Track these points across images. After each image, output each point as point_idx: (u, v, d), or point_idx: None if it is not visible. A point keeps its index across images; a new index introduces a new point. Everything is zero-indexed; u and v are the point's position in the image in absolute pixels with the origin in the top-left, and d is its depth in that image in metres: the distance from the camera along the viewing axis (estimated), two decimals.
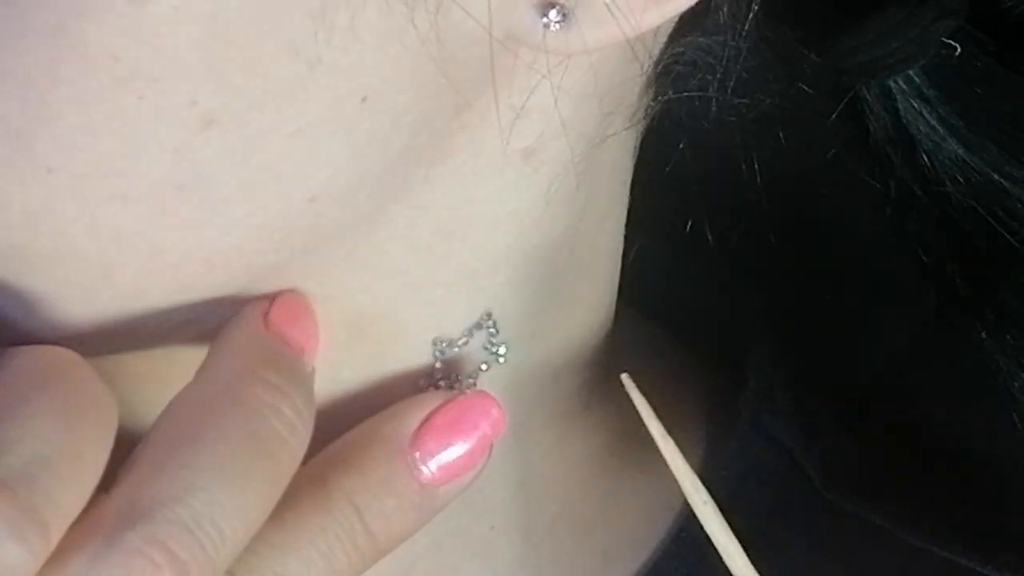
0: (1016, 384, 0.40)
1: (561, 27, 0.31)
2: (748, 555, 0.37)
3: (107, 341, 0.33)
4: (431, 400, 0.35)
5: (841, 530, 0.41)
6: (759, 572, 0.36)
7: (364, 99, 0.30)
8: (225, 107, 0.29)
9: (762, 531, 0.40)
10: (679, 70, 0.36)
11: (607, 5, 0.31)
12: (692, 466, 0.42)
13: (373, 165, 0.31)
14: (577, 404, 0.41)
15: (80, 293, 0.31)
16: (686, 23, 0.35)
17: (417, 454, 0.34)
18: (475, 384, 0.37)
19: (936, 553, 0.39)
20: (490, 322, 0.37)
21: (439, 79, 0.31)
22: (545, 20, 0.31)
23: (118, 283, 0.31)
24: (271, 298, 0.34)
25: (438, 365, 0.36)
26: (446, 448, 0.34)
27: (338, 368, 0.36)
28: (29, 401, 0.29)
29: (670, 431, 0.40)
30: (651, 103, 0.37)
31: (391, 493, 0.33)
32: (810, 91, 0.38)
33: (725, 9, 0.35)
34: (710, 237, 0.41)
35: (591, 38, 0.31)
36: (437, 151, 0.33)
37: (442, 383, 0.37)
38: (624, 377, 0.37)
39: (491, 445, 0.35)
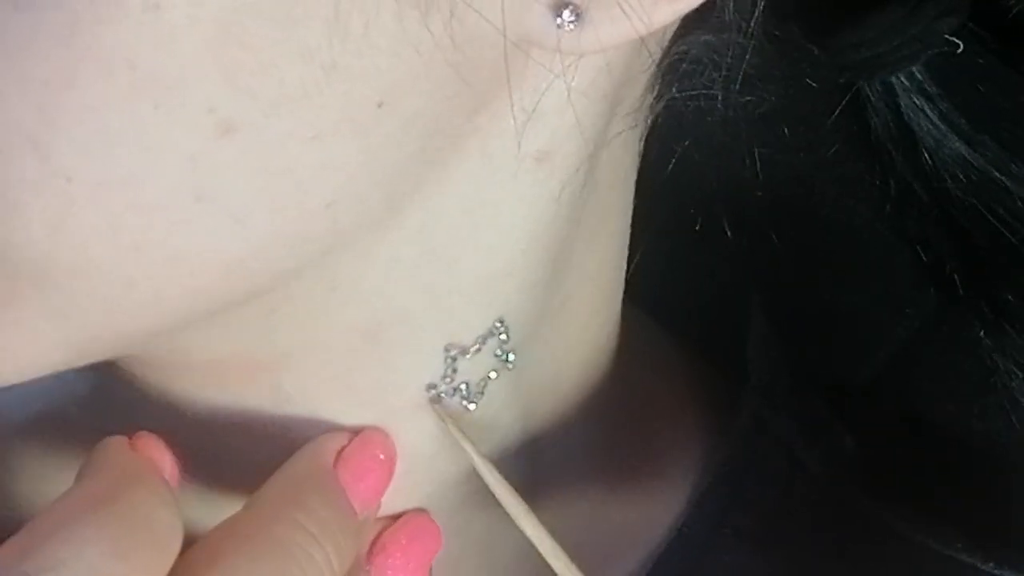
0: (1014, 383, 0.40)
1: (574, 27, 0.31)
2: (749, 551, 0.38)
3: (124, 345, 0.34)
4: (340, 437, 0.36)
5: (841, 526, 0.41)
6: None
7: (379, 104, 0.30)
8: (241, 113, 0.29)
9: (764, 528, 0.40)
10: (684, 68, 0.36)
11: (620, 4, 0.31)
12: (693, 464, 0.43)
13: (387, 169, 0.31)
14: (580, 401, 0.41)
15: (100, 304, 0.31)
16: (691, 21, 0.35)
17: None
18: (483, 394, 0.37)
19: (936, 549, 0.40)
20: (502, 328, 0.36)
21: (453, 82, 0.31)
22: (559, 21, 0.31)
23: (138, 292, 0.31)
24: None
25: (448, 373, 0.36)
26: (361, 479, 0.35)
27: (351, 373, 0.36)
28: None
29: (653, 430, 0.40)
30: (655, 101, 0.37)
31: (336, 517, 0.34)
32: (813, 87, 0.38)
33: (731, 6, 0.34)
34: (711, 234, 0.41)
35: (604, 37, 0.31)
36: (450, 154, 0.33)
37: (451, 393, 0.37)
38: (437, 408, 0.37)
39: (391, 477, 0.36)
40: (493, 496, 0.38)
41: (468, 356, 0.36)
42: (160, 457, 0.33)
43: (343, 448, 0.35)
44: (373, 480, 0.35)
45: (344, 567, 0.33)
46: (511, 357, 0.37)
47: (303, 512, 0.33)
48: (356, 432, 0.36)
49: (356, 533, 0.35)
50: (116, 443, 0.33)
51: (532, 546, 0.39)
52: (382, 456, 0.36)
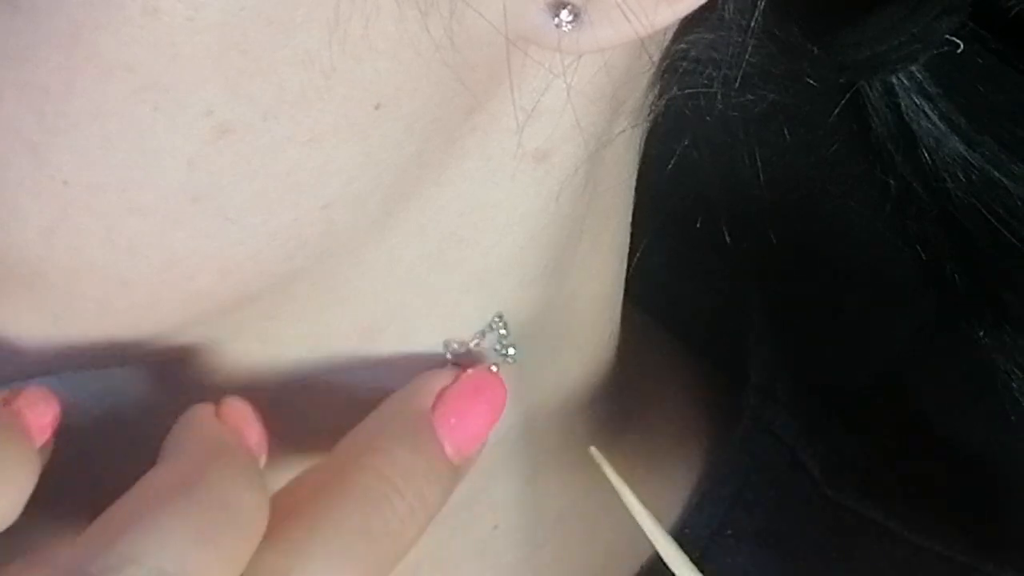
0: (1014, 384, 0.40)
1: (572, 27, 0.31)
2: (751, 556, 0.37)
3: (120, 350, 0.33)
4: (443, 376, 0.34)
5: (842, 527, 0.41)
6: None
7: (378, 106, 0.30)
8: (240, 116, 0.29)
9: (764, 528, 0.40)
10: (684, 67, 0.36)
11: (619, 5, 0.31)
12: (694, 465, 0.43)
13: (386, 171, 0.31)
14: (582, 402, 0.40)
15: (95, 306, 0.31)
16: (691, 20, 0.35)
17: (437, 427, 0.33)
18: None
19: (937, 550, 0.40)
20: (501, 323, 0.36)
21: (452, 83, 0.31)
22: (556, 21, 0.31)
23: (133, 295, 0.31)
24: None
25: (450, 364, 0.36)
26: (462, 421, 0.33)
27: (350, 372, 0.36)
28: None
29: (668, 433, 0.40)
30: (656, 100, 0.37)
31: (420, 465, 0.32)
32: (812, 87, 0.38)
33: (731, 5, 0.34)
34: (711, 234, 0.41)
35: (603, 37, 0.31)
36: (448, 155, 0.33)
37: None
38: (592, 450, 0.36)
39: (497, 419, 0.34)
40: (492, 499, 0.38)
41: (468, 349, 0.36)
42: (247, 427, 0.32)
43: (445, 388, 0.34)
44: (474, 423, 0.34)
45: (430, 515, 0.32)
46: (511, 351, 0.37)
47: (384, 459, 0.31)
48: (460, 372, 0.34)
49: (448, 479, 0.33)
50: (201, 412, 0.31)
51: (533, 550, 0.40)
52: (489, 399, 0.34)
